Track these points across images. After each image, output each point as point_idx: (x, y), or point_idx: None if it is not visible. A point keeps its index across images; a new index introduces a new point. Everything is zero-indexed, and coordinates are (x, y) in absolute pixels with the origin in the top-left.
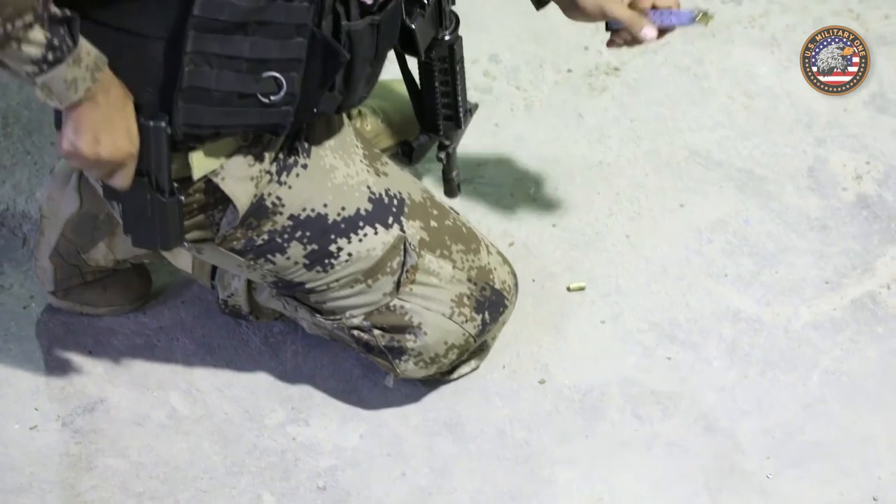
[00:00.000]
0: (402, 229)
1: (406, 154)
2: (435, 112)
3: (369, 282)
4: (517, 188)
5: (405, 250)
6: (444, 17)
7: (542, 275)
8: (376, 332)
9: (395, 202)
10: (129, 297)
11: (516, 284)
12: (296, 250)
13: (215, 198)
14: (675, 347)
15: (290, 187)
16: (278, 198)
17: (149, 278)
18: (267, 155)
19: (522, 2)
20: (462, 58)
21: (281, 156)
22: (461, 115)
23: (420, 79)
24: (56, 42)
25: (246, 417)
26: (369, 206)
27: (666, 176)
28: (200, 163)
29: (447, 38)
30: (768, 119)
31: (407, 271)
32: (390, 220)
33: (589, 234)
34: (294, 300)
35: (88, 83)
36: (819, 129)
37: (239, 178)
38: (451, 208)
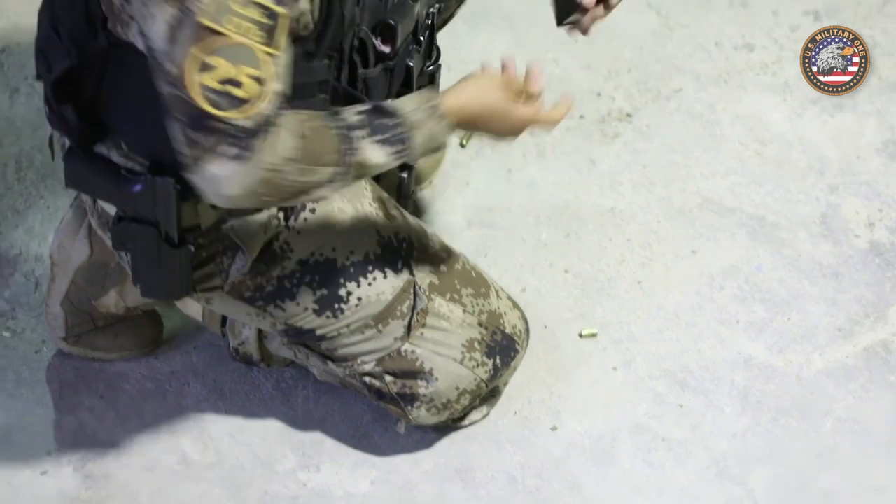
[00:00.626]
0: (411, 273)
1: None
2: None
3: (380, 327)
4: (529, 234)
5: (415, 294)
6: (434, 52)
7: (553, 321)
8: (388, 378)
9: (405, 246)
10: (141, 343)
11: (527, 329)
12: (305, 296)
13: (224, 245)
14: (686, 394)
15: (298, 232)
16: (286, 242)
17: (160, 324)
18: None
19: (534, 47)
20: (439, 85)
21: None
22: None
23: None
24: (391, 131)
25: (257, 463)
26: (378, 250)
27: (678, 222)
28: (209, 211)
29: (430, 68)
30: (781, 166)
31: (417, 314)
32: (399, 263)
33: (601, 280)
34: (305, 348)
35: (438, 124)
36: (832, 175)
37: (248, 224)
38: (461, 254)
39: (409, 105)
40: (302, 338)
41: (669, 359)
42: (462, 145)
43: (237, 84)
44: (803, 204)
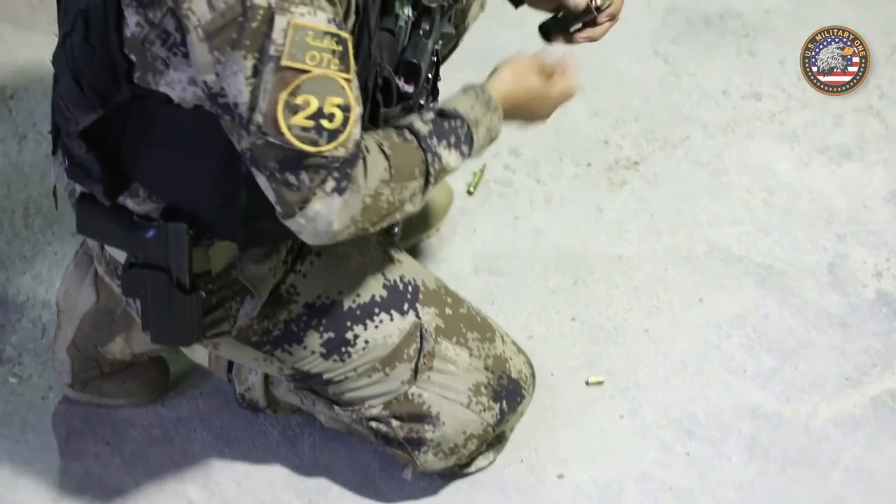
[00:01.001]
0: (417, 316)
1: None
2: None
3: (387, 370)
4: (536, 281)
5: (421, 337)
6: (436, 92)
7: (560, 369)
8: (395, 423)
9: (410, 289)
10: (147, 389)
11: (533, 374)
12: (312, 339)
13: (233, 290)
14: (693, 443)
15: (304, 275)
16: (293, 286)
17: (167, 370)
18: (283, 246)
19: None
20: None
21: (295, 245)
22: None
23: None
24: (458, 133)
25: None
26: (384, 293)
27: (685, 270)
28: (220, 257)
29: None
30: (788, 214)
31: (424, 356)
32: (405, 306)
33: (608, 328)
34: (312, 393)
35: (493, 115)
36: (839, 225)
37: (257, 269)
38: (465, 299)
39: (465, 103)
40: (309, 382)
41: (676, 407)
42: (469, 193)
43: (328, 117)
44: (811, 253)
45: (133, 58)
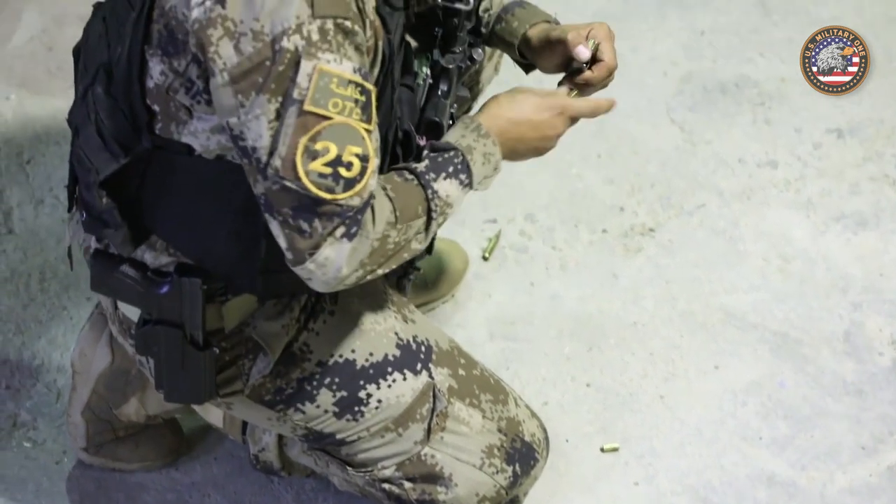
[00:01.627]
0: (430, 376)
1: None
2: None
3: (400, 430)
4: (551, 347)
5: (434, 396)
6: None
7: (575, 435)
8: (407, 484)
9: (423, 349)
10: (162, 453)
11: (546, 438)
12: (325, 398)
13: (246, 348)
14: None
15: (317, 333)
16: (306, 344)
17: (181, 434)
18: (296, 303)
19: (557, 162)
20: None
21: (308, 303)
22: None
23: None
24: (452, 163)
25: None
26: (397, 352)
27: (701, 337)
28: (233, 314)
29: None
30: (804, 282)
31: (437, 416)
32: (419, 366)
33: (623, 394)
34: (325, 454)
35: (486, 141)
36: (855, 293)
37: (270, 326)
38: (479, 361)
39: (455, 134)
40: (322, 442)
41: (692, 474)
42: (485, 258)
43: (346, 165)
44: (827, 321)
45: (156, 108)
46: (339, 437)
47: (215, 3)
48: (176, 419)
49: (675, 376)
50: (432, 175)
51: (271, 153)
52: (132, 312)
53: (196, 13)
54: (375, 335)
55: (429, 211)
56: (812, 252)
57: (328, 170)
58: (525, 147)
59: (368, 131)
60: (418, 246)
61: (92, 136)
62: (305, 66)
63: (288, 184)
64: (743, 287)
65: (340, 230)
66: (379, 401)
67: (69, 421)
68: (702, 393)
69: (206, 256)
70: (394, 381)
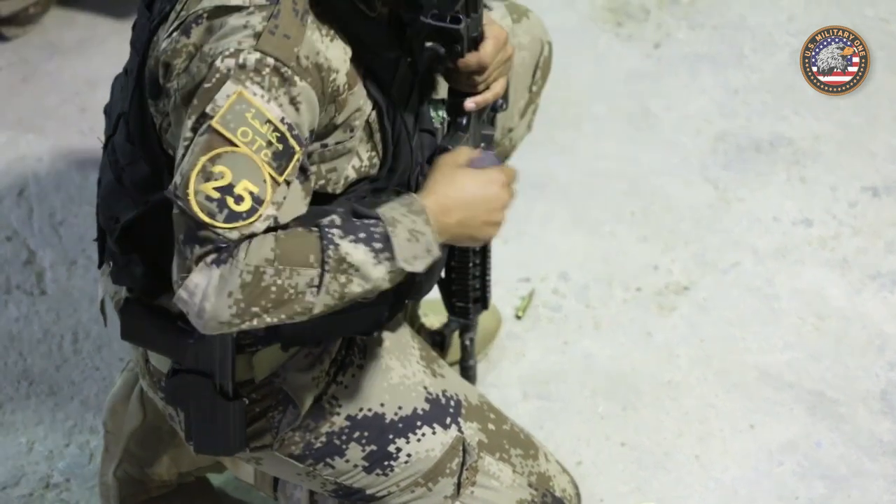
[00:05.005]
0: (460, 430)
1: (438, 344)
2: (466, 294)
3: (430, 485)
4: (585, 406)
5: (464, 451)
6: None
7: (610, 495)
8: None
9: (453, 403)
10: None
11: (578, 495)
12: (354, 452)
13: (276, 399)
14: None
15: (346, 387)
16: (335, 397)
17: (212, 493)
18: (326, 356)
19: (591, 219)
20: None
21: (338, 356)
22: (488, 294)
23: (456, 261)
24: (367, 230)
25: None
26: (426, 406)
27: (736, 396)
28: (263, 364)
29: None
30: (840, 341)
31: (467, 471)
32: (448, 420)
33: (658, 453)
34: None
35: (416, 218)
36: (891, 352)
37: (300, 378)
38: (509, 416)
39: (384, 206)
40: (352, 498)
41: None
42: (518, 317)
43: (235, 197)
44: (863, 380)
45: (171, 152)
46: (369, 492)
47: (181, 35)
48: (207, 479)
49: (710, 435)
50: (338, 232)
51: (178, 169)
52: (163, 364)
53: (164, 44)
54: (405, 389)
55: (322, 264)
56: (848, 310)
57: (216, 195)
58: (476, 225)
59: (274, 179)
60: (314, 300)
61: (113, 184)
62: (228, 87)
63: (180, 203)
64: (778, 346)
65: (211, 256)
66: (409, 455)
67: (101, 481)
68: (737, 452)
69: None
70: (423, 434)
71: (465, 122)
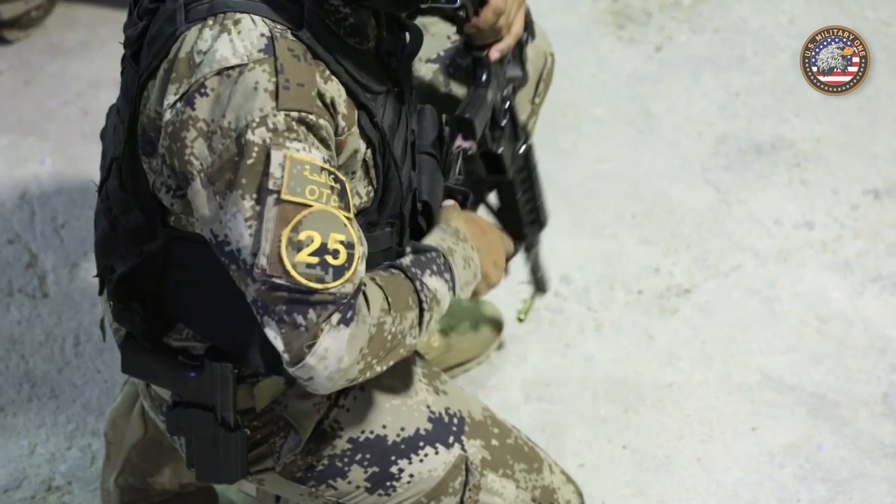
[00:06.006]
0: (463, 448)
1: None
2: (520, 222)
3: (432, 503)
4: (587, 409)
5: (467, 470)
6: (519, 130)
7: (612, 497)
8: None
9: (456, 421)
10: None
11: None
12: (356, 474)
13: (278, 426)
14: None
15: (347, 410)
16: (336, 421)
17: (216, 500)
18: None
19: (592, 222)
20: (536, 161)
21: None
22: (543, 215)
23: (501, 197)
24: (436, 262)
25: None
26: (429, 426)
27: (737, 399)
28: (264, 394)
29: (522, 150)
30: (841, 344)
31: (469, 490)
32: (451, 439)
33: (660, 456)
34: None
35: (465, 245)
36: (893, 355)
37: (301, 405)
38: (514, 427)
39: (434, 238)
40: None
41: None
42: (520, 320)
43: (332, 253)
44: (864, 383)
45: (168, 204)
46: None
47: (185, 105)
48: (211, 486)
49: (711, 438)
50: (417, 270)
51: (255, 253)
52: (165, 392)
53: (168, 115)
54: (406, 409)
55: (420, 303)
56: (849, 313)
57: (315, 259)
58: (490, 262)
59: (349, 219)
60: (413, 341)
61: (107, 231)
62: (276, 155)
63: (277, 280)
64: (780, 348)
65: (336, 317)
66: (411, 475)
67: (103, 487)
68: (739, 455)
69: (230, 342)
70: (426, 455)
71: (484, 77)
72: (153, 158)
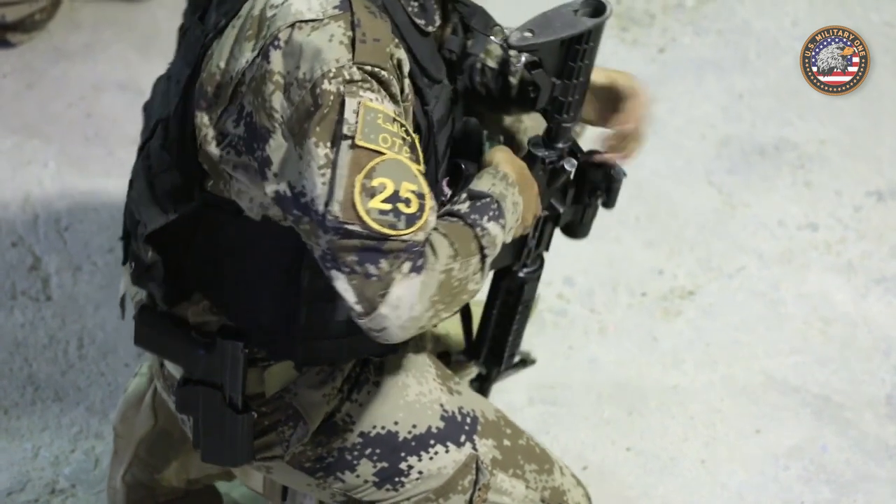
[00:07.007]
0: (474, 448)
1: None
2: (484, 337)
3: (440, 500)
4: (591, 411)
5: (477, 469)
6: (525, 254)
7: (616, 500)
8: None
9: (468, 420)
10: None
11: None
12: (365, 468)
13: (286, 415)
14: None
15: (360, 404)
16: (349, 415)
17: (220, 501)
18: (338, 373)
19: (596, 225)
20: (529, 301)
21: (353, 374)
22: (506, 354)
23: (486, 301)
24: (491, 208)
25: None
26: (441, 424)
27: (742, 401)
28: (275, 379)
29: (521, 274)
30: (845, 345)
31: (479, 489)
32: (462, 438)
33: (664, 458)
34: None
35: (514, 190)
36: None
37: (311, 395)
38: (525, 430)
39: (486, 183)
40: None
41: None
42: None
43: (404, 201)
44: (869, 384)
45: (206, 166)
46: None
47: (262, 59)
48: (216, 487)
49: (716, 440)
50: (476, 216)
51: (328, 202)
52: (176, 370)
53: (249, 73)
54: (420, 407)
55: (482, 248)
56: (853, 315)
57: (388, 206)
58: (530, 207)
59: (420, 172)
60: (475, 287)
61: (143, 189)
62: (350, 102)
63: (350, 227)
64: (784, 350)
65: (407, 265)
66: (420, 472)
67: (109, 486)
68: (743, 457)
69: (248, 319)
70: (436, 453)
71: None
72: (208, 113)
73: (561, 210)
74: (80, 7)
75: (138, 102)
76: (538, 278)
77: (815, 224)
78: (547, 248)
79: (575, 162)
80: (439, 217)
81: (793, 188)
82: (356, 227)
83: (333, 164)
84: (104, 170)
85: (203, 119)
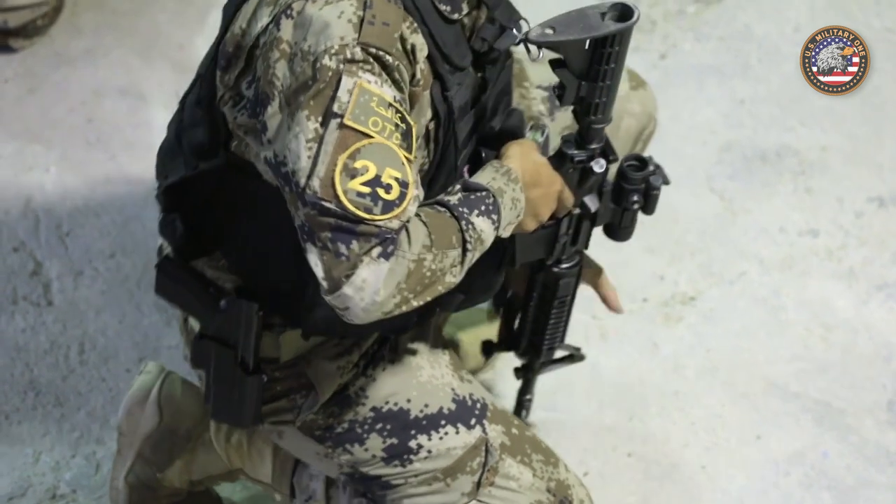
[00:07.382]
0: (484, 431)
1: (485, 352)
2: (523, 329)
3: (448, 480)
4: (592, 417)
5: (487, 451)
6: (558, 248)
7: None
8: None
9: (479, 405)
10: None
11: None
12: (374, 442)
13: (300, 383)
14: None
15: (374, 380)
16: (362, 388)
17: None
18: (356, 348)
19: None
20: (566, 297)
21: (370, 350)
22: (544, 346)
23: (524, 292)
24: (484, 203)
25: None
26: (453, 406)
27: (743, 407)
28: (289, 346)
29: (555, 269)
30: (846, 352)
31: (487, 471)
32: (473, 421)
33: (665, 464)
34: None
35: (515, 186)
36: None
37: (325, 366)
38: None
39: (486, 177)
40: (367, 484)
41: None
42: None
43: (385, 187)
44: (870, 391)
45: (230, 127)
46: (384, 480)
47: (274, 26)
48: (216, 492)
49: (716, 446)
50: (465, 210)
51: (309, 175)
52: (196, 324)
53: (262, 38)
54: (432, 388)
55: (464, 242)
56: (854, 321)
57: (367, 189)
58: (545, 204)
59: (408, 160)
60: (452, 279)
61: (171, 141)
62: (346, 81)
63: (326, 204)
64: (785, 356)
65: (377, 250)
66: (429, 451)
67: (112, 486)
68: (744, 463)
69: (261, 281)
70: (446, 433)
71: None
72: (226, 73)
73: (593, 209)
74: (82, 12)
75: (139, 107)
76: (576, 275)
77: (817, 230)
78: (586, 247)
79: (604, 163)
80: (427, 205)
81: (794, 194)
82: (332, 206)
83: (321, 140)
84: (105, 175)
85: (222, 78)
